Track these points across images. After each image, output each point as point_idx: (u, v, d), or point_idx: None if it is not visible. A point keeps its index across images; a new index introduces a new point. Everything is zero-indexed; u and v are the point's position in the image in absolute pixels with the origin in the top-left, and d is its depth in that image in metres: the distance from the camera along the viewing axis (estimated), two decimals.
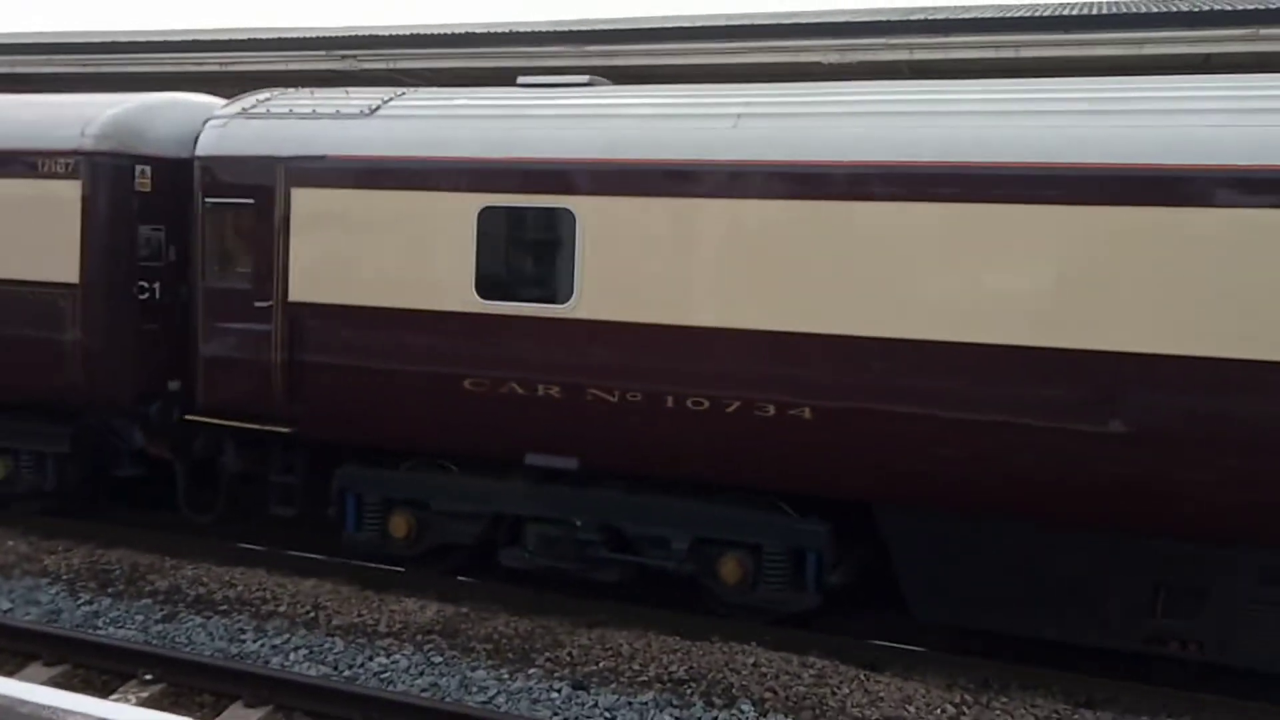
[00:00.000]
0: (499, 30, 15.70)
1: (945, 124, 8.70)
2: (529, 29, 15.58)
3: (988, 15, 13.64)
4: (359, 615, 9.86)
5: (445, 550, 10.81)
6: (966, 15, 13.81)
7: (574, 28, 15.55)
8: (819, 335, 8.78)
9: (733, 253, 9.02)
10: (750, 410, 8.98)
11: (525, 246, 9.91)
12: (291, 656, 9.07)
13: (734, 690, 8.50)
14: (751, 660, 8.98)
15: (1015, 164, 8.29)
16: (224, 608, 10.05)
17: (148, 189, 11.33)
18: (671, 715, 8.13)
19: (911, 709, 8.26)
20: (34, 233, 11.35)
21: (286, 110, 10.78)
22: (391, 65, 15.75)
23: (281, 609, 10.01)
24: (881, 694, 8.48)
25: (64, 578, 10.73)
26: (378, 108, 10.49)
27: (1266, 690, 8.63)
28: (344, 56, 15.76)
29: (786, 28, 14.19)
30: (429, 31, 16.19)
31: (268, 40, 16.74)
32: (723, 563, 9.62)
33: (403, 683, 8.64)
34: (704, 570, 9.73)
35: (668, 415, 9.22)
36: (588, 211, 9.40)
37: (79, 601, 10.15)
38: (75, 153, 11.16)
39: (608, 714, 8.17)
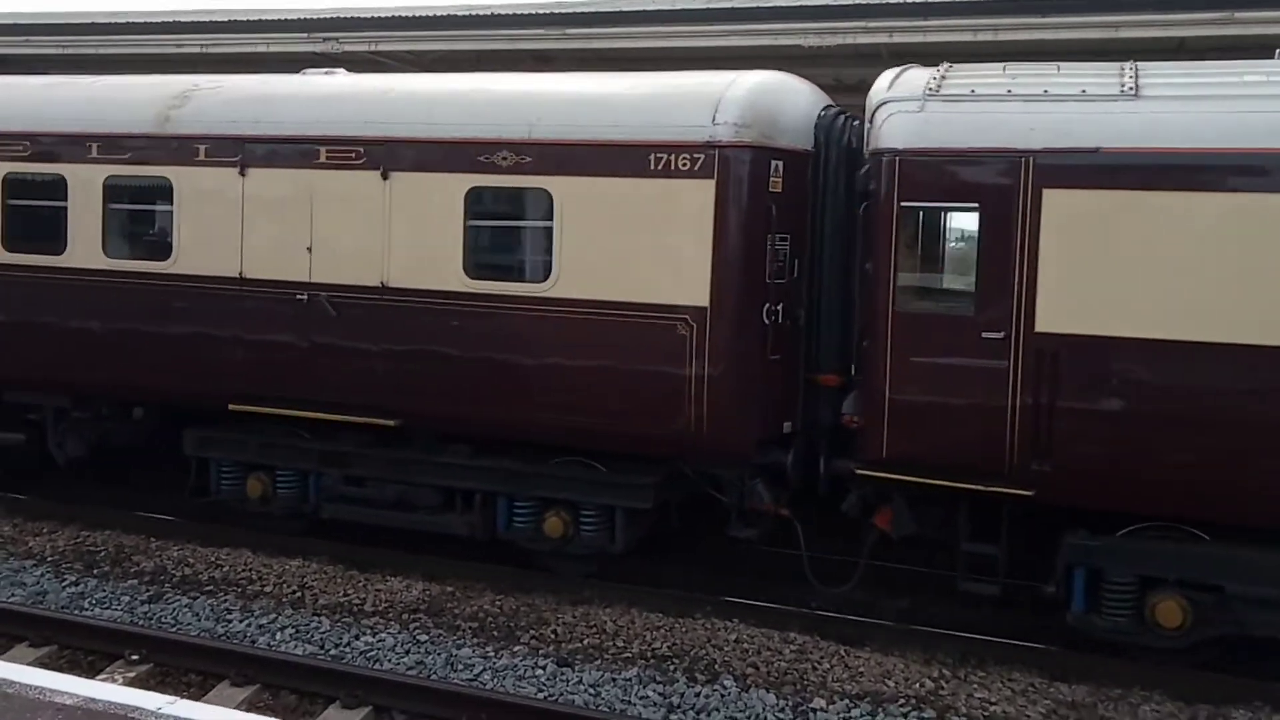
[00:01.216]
0: (480, 12, 15.65)
1: None
2: (509, 11, 15.55)
3: None
4: (345, 594, 9.93)
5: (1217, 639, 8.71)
6: None
7: (554, 9, 15.52)
8: None
9: None
10: None
11: None
12: (278, 636, 9.15)
13: (716, 666, 8.63)
14: (733, 636, 9.11)
15: None
16: (210, 588, 10.10)
17: (779, 190, 9.37)
18: (655, 691, 8.25)
19: (891, 683, 8.41)
20: (639, 244, 9.40)
21: (1002, 91, 8.72)
22: (373, 47, 15.69)
23: (268, 589, 10.08)
24: (861, 668, 8.62)
25: (49, 559, 10.76)
26: (1134, 87, 8.45)
27: (1238, 663, 8.80)
28: (325, 39, 15.70)
29: (765, 10, 14.20)
30: (410, 13, 16.13)
31: (248, 22, 16.62)
32: None
33: (389, 661, 8.73)
34: None
35: None
36: None
37: (65, 583, 10.19)
38: (707, 145, 9.13)
39: (592, 690, 8.29)
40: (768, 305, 9.36)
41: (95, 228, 11.28)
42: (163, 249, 11.10)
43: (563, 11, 15.17)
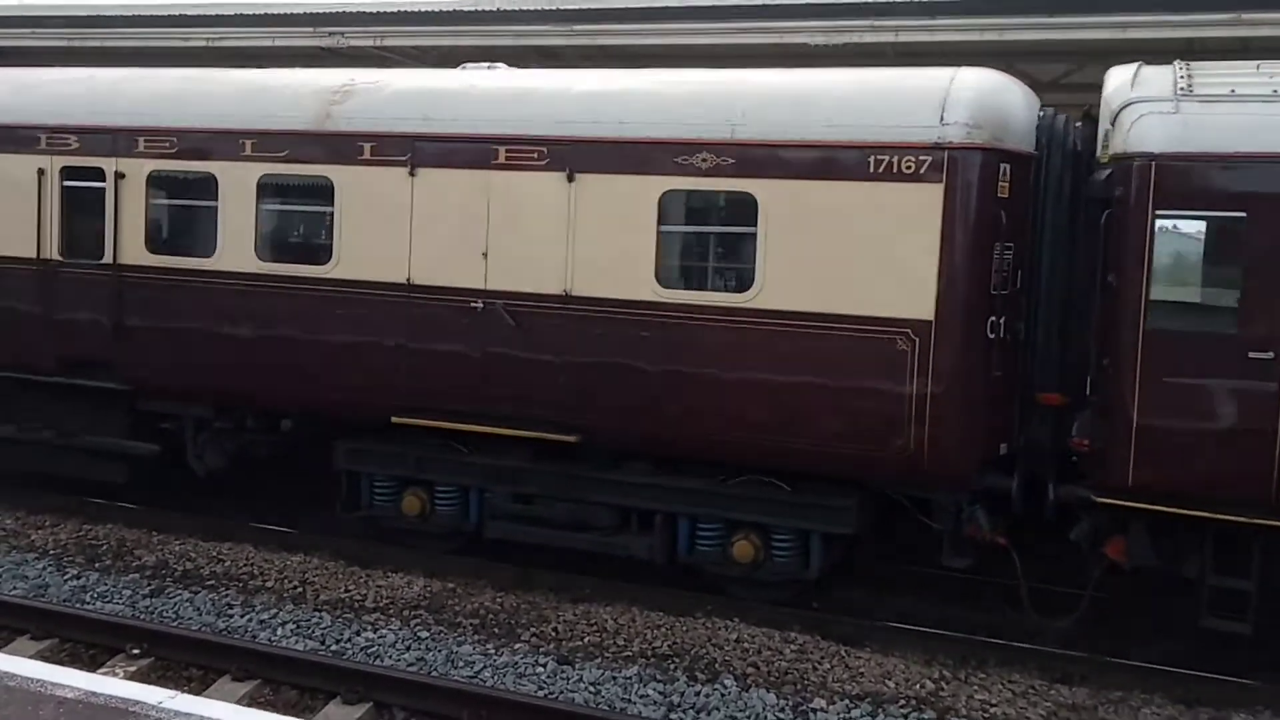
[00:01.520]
0: (486, 8, 15.65)
1: None
2: (515, 7, 15.55)
3: None
4: (346, 590, 9.94)
5: None
6: None
7: (560, 5, 15.53)
8: None
9: None
10: None
11: None
12: (279, 631, 9.16)
13: (717, 665, 8.63)
14: (734, 636, 9.11)
15: None
16: (211, 582, 10.11)
17: (1006, 195, 8.77)
18: (655, 689, 8.25)
19: (891, 684, 8.40)
20: (854, 253, 8.83)
21: (1267, 91, 8.15)
22: (379, 42, 15.70)
23: (269, 584, 10.08)
24: (862, 669, 8.62)
25: (51, 552, 10.78)
26: None
27: (1239, 662, 8.79)
28: (330, 33, 15.71)
29: (774, 8, 14.20)
30: (416, 9, 16.14)
31: (254, 16, 16.64)
32: None
33: (390, 657, 8.73)
34: None
35: None
36: None
37: (66, 576, 10.21)
38: (935, 147, 8.56)
39: (593, 688, 8.28)
40: (992, 319, 8.81)
41: (248, 229, 10.72)
42: (321, 252, 10.63)
43: (569, 8, 15.17)
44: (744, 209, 9.23)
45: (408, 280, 10.14)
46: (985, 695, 8.29)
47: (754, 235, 9.12)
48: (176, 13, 17.30)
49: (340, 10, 16.35)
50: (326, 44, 15.76)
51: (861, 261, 8.82)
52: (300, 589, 9.98)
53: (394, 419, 10.32)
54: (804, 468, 9.32)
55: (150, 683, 7.71)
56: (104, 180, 11.28)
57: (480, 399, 9.98)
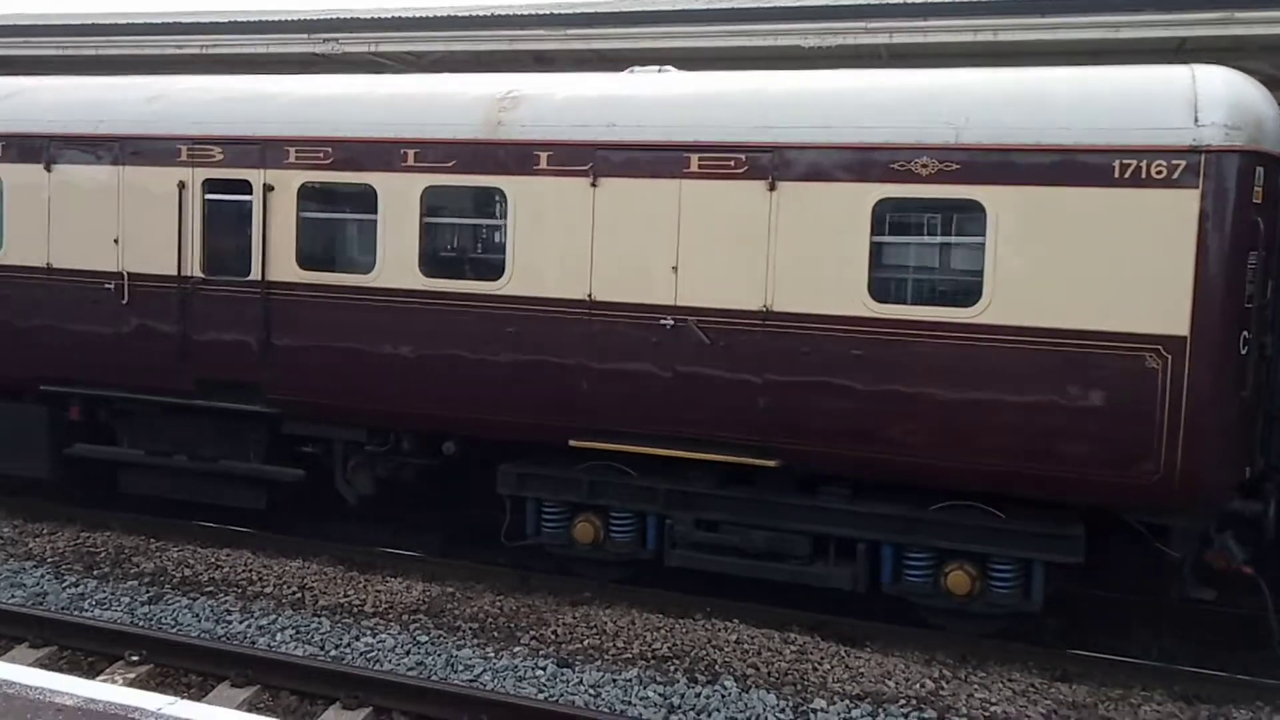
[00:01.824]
0: (479, 13, 15.67)
1: None
2: (509, 11, 15.57)
3: None
4: (345, 595, 9.94)
5: None
6: None
7: (554, 10, 15.55)
8: None
9: None
10: None
11: None
12: (278, 637, 9.15)
13: (717, 666, 8.63)
14: (734, 637, 9.11)
15: None
16: (210, 589, 10.11)
17: (1260, 201, 8.22)
18: (655, 692, 8.25)
19: (891, 683, 8.41)
20: (1095, 264, 8.27)
21: None
22: (374, 48, 15.72)
23: (268, 590, 10.08)
24: (861, 669, 8.62)
25: (49, 560, 10.77)
26: None
27: (1235, 661, 8.80)
28: (325, 39, 15.72)
29: (766, 10, 14.22)
30: (411, 14, 16.16)
31: (248, 23, 16.63)
32: None
33: (389, 662, 8.73)
34: None
35: None
36: None
37: (65, 584, 10.20)
38: (1191, 150, 8.00)
39: (592, 691, 8.28)
40: (1244, 333, 8.25)
41: (411, 244, 10.15)
42: (492, 267, 10.09)
43: (562, 12, 15.19)
44: (970, 217, 8.74)
45: (589, 296, 9.64)
46: (985, 694, 8.31)
47: (981, 245, 8.60)
48: (171, 20, 17.29)
49: (335, 16, 16.37)
50: (321, 50, 15.77)
51: (1105, 273, 8.28)
52: (299, 594, 9.98)
53: (572, 442, 9.82)
54: (1033, 493, 8.78)
55: (149, 689, 7.68)
56: (251, 193, 10.75)
57: (670, 421, 9.49)
